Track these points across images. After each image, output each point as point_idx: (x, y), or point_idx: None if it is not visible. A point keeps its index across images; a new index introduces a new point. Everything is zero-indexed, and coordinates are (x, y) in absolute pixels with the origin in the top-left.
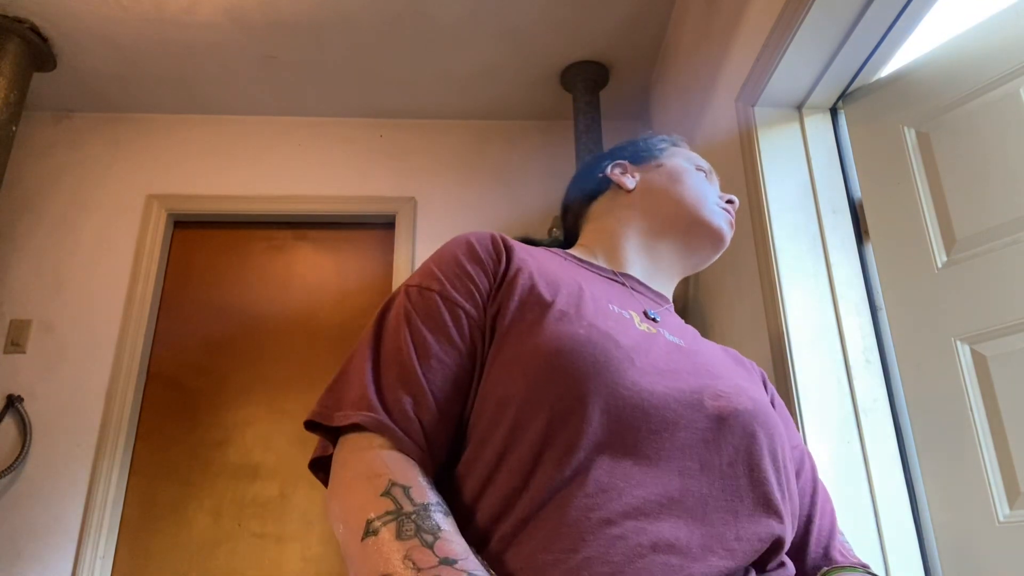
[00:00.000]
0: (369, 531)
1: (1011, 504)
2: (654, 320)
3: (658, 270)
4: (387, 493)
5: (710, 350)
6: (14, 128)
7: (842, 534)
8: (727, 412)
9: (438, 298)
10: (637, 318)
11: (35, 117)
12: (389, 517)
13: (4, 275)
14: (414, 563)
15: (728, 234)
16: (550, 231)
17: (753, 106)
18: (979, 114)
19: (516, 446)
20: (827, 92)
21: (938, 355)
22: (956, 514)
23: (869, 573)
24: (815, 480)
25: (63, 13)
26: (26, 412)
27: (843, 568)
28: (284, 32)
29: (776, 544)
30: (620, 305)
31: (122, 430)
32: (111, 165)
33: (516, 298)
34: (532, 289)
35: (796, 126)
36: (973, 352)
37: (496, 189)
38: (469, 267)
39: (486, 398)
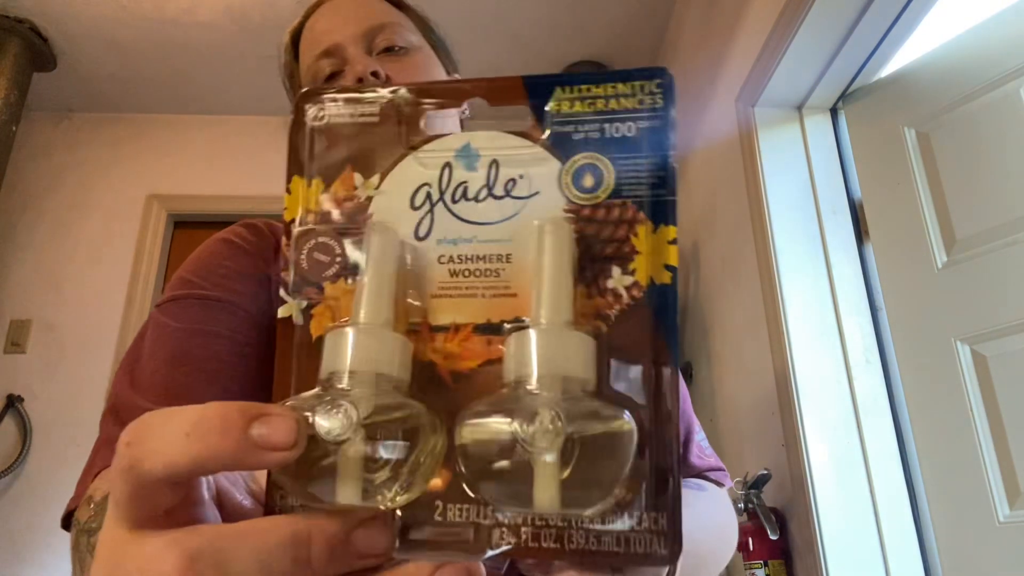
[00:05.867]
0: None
1: (1011, 504)
2: None
3: None
4: None
5: None
6: (14, 128)
7: None
8: None
9: (197, 302)
10: None
11: (35, 117)
12: None
13: (4, 275)
14: None
15: None
16: None
17: (753, 106)
18: (979, 114)
19: None
20: (827, 92)
21: (938, 355)
22: (956, 514)
23: None
24: None
25: (63, 13)
26: (26, 412)
27: None
28: (284, 32)
29: None
30: None
31: None
32: (111, 165)
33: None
34: None
35: (796, 126)
36: (973, 352)
37: None
38: (230, 262)
39: None
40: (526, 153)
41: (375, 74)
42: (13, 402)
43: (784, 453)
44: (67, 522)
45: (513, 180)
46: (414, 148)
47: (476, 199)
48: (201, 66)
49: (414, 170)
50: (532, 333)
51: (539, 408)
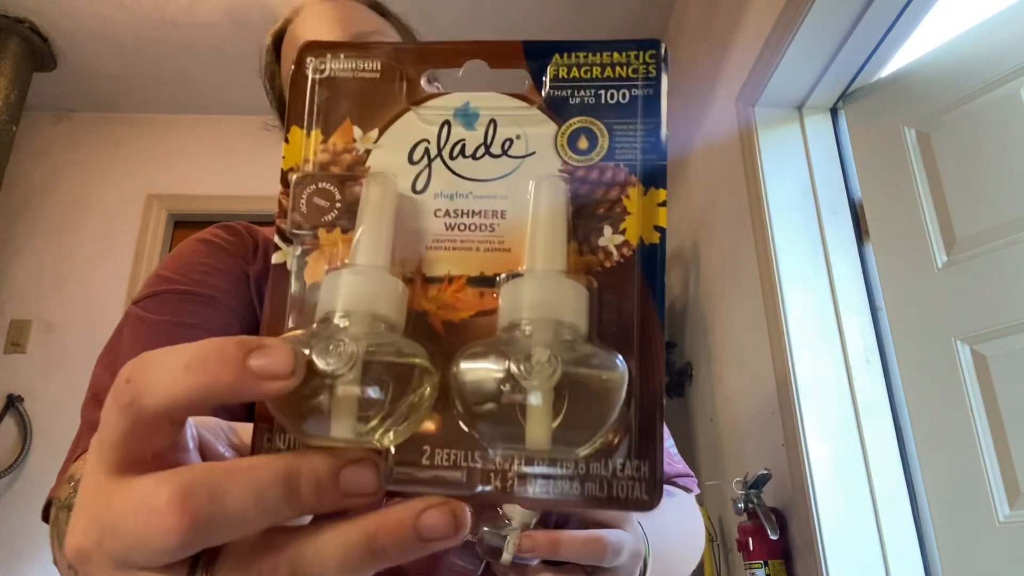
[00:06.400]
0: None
1: (1011, 504)
2: None
3: None
4: None
5: None
6: (14, 128)
7: None
8: None
9: (176, 297)
10: None
11: (35, 117)
12: None
13: (4, 275)
14: None
15: None
16: None
17: (753, 106)
18: (979, 114)
19: None
20: (827, 92)
21: (938, 355)
22: (956, 514)
23: None
24: None
25: (63, 13)
26: (26, 412)
27: None
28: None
29: None
30: None
31: None
32: (111, 165)
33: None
34: None
35: (796, 126)
36: (973, 352)
37: None
38: (210, 260)
39: None
40: (524, 114)
41: None
42: (13, 402)
43: (784, 453)
44: (47, 514)
45: (510, 140)
46: (414, 105)
47: (474, 156)
48: (201, 66)
49: (413, 126)
50: (527, 279)
51: (534, 347)
